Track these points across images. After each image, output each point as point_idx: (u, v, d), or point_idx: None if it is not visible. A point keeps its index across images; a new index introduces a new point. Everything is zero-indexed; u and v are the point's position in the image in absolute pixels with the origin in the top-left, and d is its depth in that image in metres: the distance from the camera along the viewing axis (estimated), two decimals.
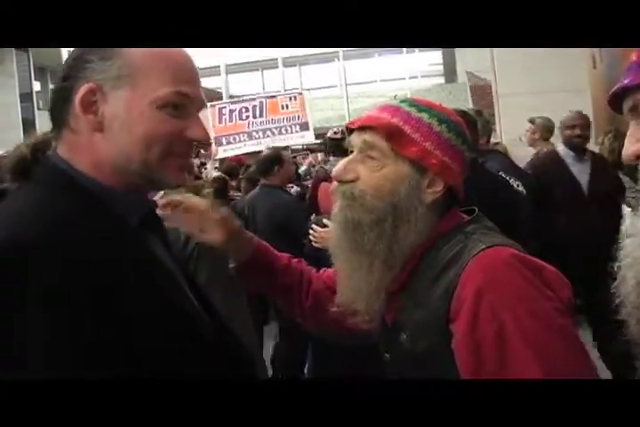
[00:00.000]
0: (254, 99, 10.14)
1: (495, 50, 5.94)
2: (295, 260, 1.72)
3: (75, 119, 1.07)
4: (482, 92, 6.20)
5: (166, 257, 1.18)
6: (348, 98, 15.76)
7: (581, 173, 4.17)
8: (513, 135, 5.80)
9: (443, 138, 1.35)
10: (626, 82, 0.99)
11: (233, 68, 20.16)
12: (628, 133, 1.01)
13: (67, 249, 0.91)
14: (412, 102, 1.39)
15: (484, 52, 6.39)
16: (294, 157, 7.82)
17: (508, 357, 1.09)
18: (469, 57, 9.77)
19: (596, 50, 6.35)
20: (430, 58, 20.06)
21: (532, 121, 5.53)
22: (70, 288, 0.88)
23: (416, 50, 18.45)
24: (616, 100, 1.04)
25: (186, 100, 1.10)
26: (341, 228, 1.36)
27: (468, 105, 10.05)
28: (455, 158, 1.35)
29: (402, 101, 1.40)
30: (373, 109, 1.42)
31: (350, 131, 1.42)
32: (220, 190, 5.62)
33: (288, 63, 19.54)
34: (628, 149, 1.00)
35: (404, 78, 16.64)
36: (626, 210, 1.00)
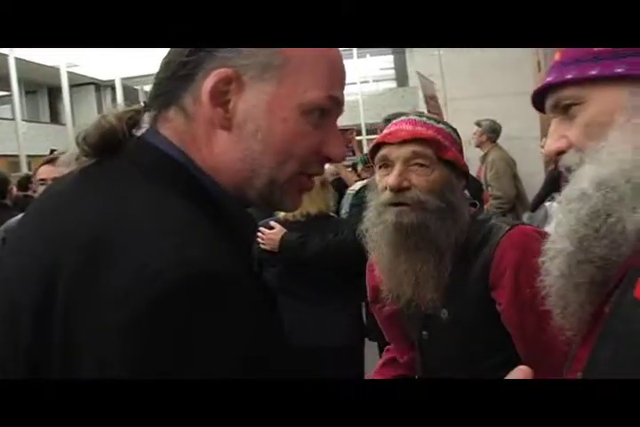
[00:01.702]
0: None
1: (443, 54, 6.03)
2: None
3: (195, 105, 0.85)
4: (432, 93, 6.27)
5: None
6: None
7: None
8: (462, 138, 5.88)
9: (457, 143, 1.63)
10: (549, 79, 1.03)
11: None
12: (550, 130, 1.05)
13: (243, 278, 0.75)
14: (428, 116, 1.67)
15: (433, 56, 6.47)
16: None
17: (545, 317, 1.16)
18: (419, 62, 9.89)
19: (540, 54, 6.49)
20: (382, 62, 20.23)
21: (478, 124, 5.69)
22: (259, 319, 0.74)
23: (367, 54, 18.58)
24: (539, 99, 1.08)
25: (334, 107, 0.91)
26: (405, 230, 1.52)
27: (418, 109, 10.14)
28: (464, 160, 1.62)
29: (419, 116, 1.64)
30: (401, 124, 1.60)
31: (375, 148, 1.60)
32: None
33: None
34: (551, 146, 1.04)
35: (355, 83, 16.72)
36: (554, 207, 1.04)
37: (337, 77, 0.91)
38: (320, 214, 3.27)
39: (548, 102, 1.05)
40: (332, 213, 3.49)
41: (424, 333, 1.61)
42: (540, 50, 6.50)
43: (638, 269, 0.87)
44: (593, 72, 0.97)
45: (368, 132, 14.54)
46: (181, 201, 0.79)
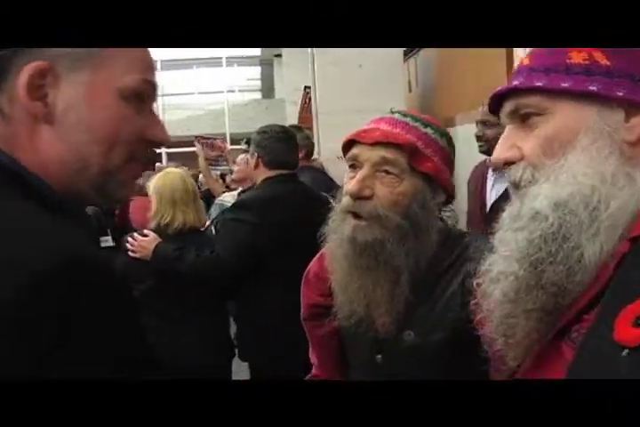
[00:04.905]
0: None
1: (316, 67, 6.04)
2: None
3: (12, 104, 0.83)
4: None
5: None
6: (164, 108, 15.42)
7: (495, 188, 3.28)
8: (332, 153, 5.89)
9: (446, 152, 1.44)
10: (516, 83, 0.95)
11: None
12: (503, 137, 0.97)
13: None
14: (415, 117, 1.43)
15: (307, 69, 6.47)
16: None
17: None
18: (291, 74, 9.93)
19: (412, 75, 6.70)
20: (249, 73, 20.26)
21: None
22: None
23: (235, 64, 18.54)
24: (497, 102, 1.00)
25: (151, 91, 0.92)
26: (359, 248, 1.36)
27: (284, 121, 10.19)
28: (452, 171, 1.45)
29: (405, 115, 1.43)
30: (379, 122, 1.43)
31: (348, 144, 1.42)
32: None
33: None
34: (501, 154, 0.95)
35: (222, 92, 16.62)
36: (500, 224, 0.98)
37: (149, 61, 0.92)
38: (192, 229, 3.18)
39: (507, 107, 0.97)
40: (202, 229, 3.40)
41: (378, 356, 1.43)
42: (412, 70, 6.68)
43: (614, 305, 0.77)
44: (565, 84, 0.90)
45: (232, 142, 14.51)
46: (16, 203, 0.78)
